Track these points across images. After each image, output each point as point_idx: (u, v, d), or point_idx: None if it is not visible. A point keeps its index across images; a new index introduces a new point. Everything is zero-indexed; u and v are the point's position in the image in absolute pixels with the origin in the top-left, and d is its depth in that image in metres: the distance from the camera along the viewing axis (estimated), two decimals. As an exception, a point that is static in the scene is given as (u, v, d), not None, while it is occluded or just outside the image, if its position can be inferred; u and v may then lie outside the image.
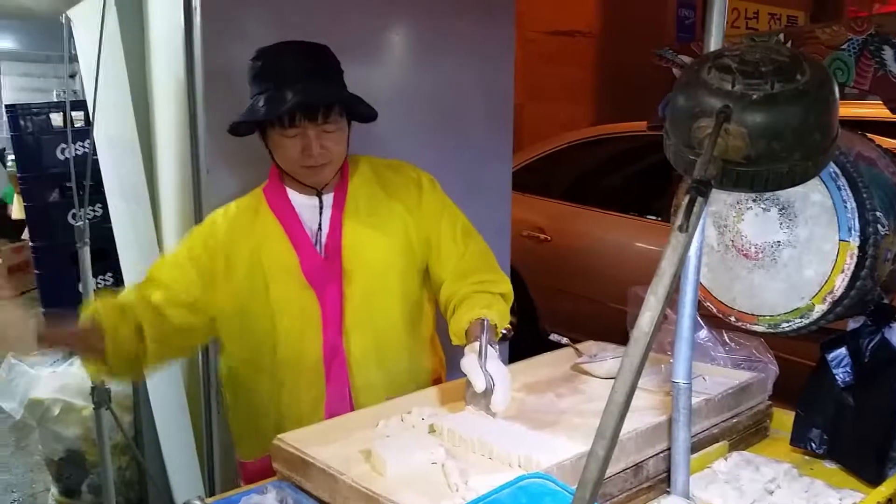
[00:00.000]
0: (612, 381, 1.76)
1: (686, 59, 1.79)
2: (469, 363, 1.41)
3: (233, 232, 1.58)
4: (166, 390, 2.38)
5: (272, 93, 1.47)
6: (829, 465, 1.39)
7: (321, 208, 1.59)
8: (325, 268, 1.57)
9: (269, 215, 1.59)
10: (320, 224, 1.59)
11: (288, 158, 1.52)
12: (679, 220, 0.62)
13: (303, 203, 1.59)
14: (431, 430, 1.37)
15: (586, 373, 1.69)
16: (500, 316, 1.54)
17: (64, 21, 2.56)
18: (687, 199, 0.64)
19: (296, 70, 1.48)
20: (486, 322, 1.45)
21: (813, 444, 1.41)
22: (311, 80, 1.49)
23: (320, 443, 1.30)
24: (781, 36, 1.59)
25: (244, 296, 1.56)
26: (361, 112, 1.56)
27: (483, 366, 1.39)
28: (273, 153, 1.55)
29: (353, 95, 1.54)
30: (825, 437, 1.40)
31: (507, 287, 1.65)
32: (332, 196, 1.60)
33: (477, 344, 1.43)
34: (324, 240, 1.58)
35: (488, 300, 1.55)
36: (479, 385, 1.37)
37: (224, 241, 1.58)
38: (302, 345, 1.57)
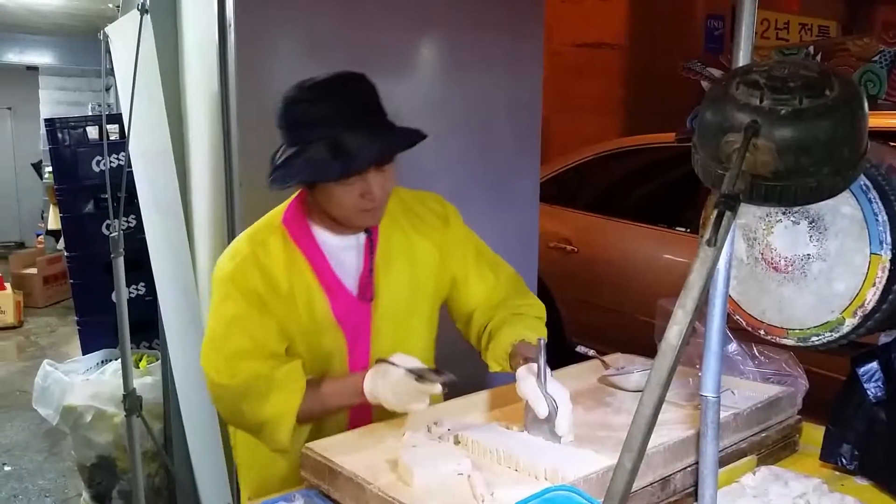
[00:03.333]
0: (640, 394, 1.76)
1: (714, 71, 1.79)
2: (528, 387, 1.36)
3: (266, 273, 1.46)
4: (196, 399, 2.41)
5: (334, 142, 1.35)
6: (861, 482, 1.37)
7: (359, 248, 1.52)
8: (357, 310, 1.51)
9: (296, 251, 1.48)
10: (357, 265, 1.51)
11: (345, 206, 1.41)
12: (707, 234, 0.63)
13: (337, 244, 1.51)
14: (457, 441, 1.38)
15: (613, 385, 1.69)
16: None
17: (102, 37, 2.63)
18: (715, 213, 0.64)
19: (356, 113, 1.38)
20: (541, 342, 1.38)
21: (843, 460, 1.39)
22: (375, 125, 1.40)
23: (348, 451, 1.31)
24: (811, 48, 1.58)
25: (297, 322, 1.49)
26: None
27: (544, 390, 1.35)
28: (324, 201, 1.43)
29: (421, 134, 1.43)
30: (856, 452, 1.38)
31: (542, 311, 1.64)
32: (364, 236, 1.52)
33: (534, 366, 1.37)
34: (358, 281, 1.51)
35: (528, 322, 1.54)
36: (542, 411, 1.33)
37: (263, 284, 1.46)
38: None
